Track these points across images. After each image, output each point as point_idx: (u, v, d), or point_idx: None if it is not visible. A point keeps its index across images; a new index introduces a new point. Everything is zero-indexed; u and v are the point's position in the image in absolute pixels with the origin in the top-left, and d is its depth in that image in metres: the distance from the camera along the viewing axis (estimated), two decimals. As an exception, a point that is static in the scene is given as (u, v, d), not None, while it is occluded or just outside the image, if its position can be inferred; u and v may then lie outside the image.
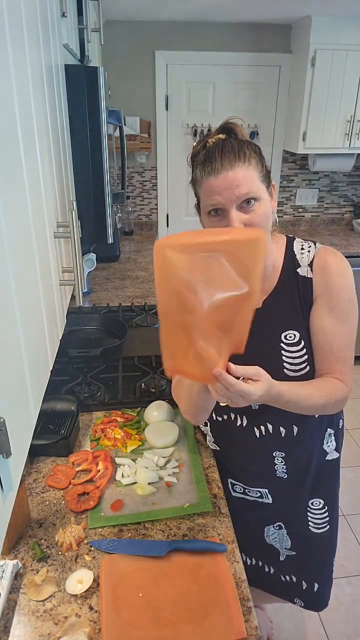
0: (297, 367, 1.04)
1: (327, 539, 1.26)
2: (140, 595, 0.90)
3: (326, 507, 1.23)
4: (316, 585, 1.29)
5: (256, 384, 0.86)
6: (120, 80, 3.18)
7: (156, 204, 3.60)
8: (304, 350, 1.04)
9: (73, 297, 1.19)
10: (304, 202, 3.74)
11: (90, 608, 0.89)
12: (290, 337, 1.04)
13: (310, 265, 1.04)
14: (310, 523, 1.23)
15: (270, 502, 1.21)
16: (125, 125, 3.21)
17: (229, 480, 1.24)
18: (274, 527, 1.25)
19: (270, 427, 1.12)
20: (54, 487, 1.16)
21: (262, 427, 1.12)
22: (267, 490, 1.20)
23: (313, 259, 1.04)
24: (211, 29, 3.16)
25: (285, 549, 1.26)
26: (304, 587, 1.29)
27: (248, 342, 1.05)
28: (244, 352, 1.05)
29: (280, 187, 3.66)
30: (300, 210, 3.77)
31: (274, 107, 3.41)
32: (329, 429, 1.18)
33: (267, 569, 1.31)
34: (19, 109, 0.57)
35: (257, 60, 3.25)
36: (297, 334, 1.04)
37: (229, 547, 1.01)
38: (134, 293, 2.45)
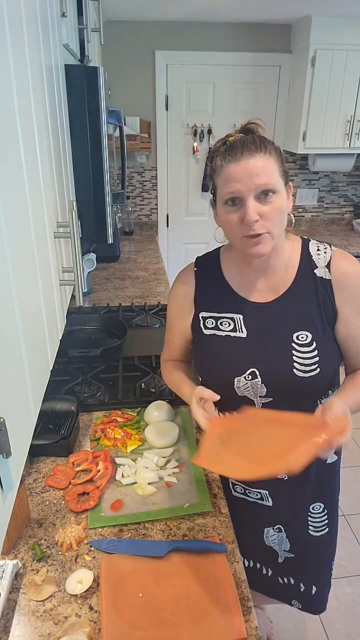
0: (307, 368, 1.03)
1: (327, 541, 1.26)
2: (140, 595, 0.90)
3: (326, 511, 1.23)
4: (314, 588, 1.28)
5: (346, 421, 0.87)
6: (120, 80, 3.18)
7: (156, 204, 3.60)
8: (315, 351, 1.03)
9: (73, 297, 1.19)
10: (304, 202, 3.74)
11: (90, 608, 0.89)
12: (302, 337, 1.03)
13: (328, 266, 1.03)
14: (310, 526, 1.23)
15: (271, 504, 1.20)
16: (125, 125, 3.21)
17: (230, 480, 1.24)
18: (273, 529, 1.24)
19: None
20: (54, 487, 1.16)
21: None
22: (267, 492, 1.20)
23: (330, 260, 1.04)
24: (211, 29, 3.16)
25: (284, 551, 1.26)
26: (301, 590, 1.29)
27: (256, 342, 1.06)
28: (251, 353, 1.06)
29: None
30: (300, 210, 3.77)
31: (274, 107, 3.41)
32: None
33: (265, 571, 1.30)
34: (19, 109, 0.57)
35: (257, 60, 3.25)
36: (309, 335, 1.03)
37: (229, 547, 1.01)
38: (134, 293, 2.45)
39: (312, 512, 1.21)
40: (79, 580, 0.93)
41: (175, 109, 3.34)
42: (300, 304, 1.05)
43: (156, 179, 3.52)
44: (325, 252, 1.05)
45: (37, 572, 0.96)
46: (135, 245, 3.33)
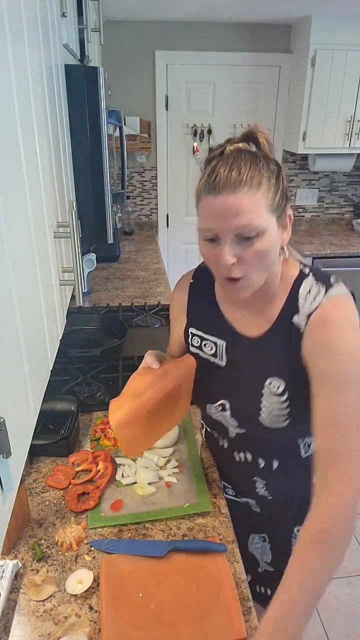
0: (276, 419, 0.94)
1: None
2: (140, 595, 0.90)
3: None
4: None
5: None
6: (120, 80, 3.18)
7: (156, 204, 3.60)
8: (287, 402, 0.92)
9: (73, 297, 1.19)
10: (304, 202, 3.74)
11: (90, 608, 0.89)
12: (274, 385, 0.93)
13: (309, 316, 0.86)
14: (292, 545, 1.18)
15: (259, 511, 1.19)
16: (125, 125, 3.21)
17: (222, 482, 1.24)
18: (259, 536, 1.22)
19: (249, 456, 1.07)
20: (54, 487, 1.16)
21: (242, 454, 1.08)
22: (254, 502, 1.18)
23: (315, 309, 0.86)
24: (211, 29, 3.16)
25: (265, 562, 1.23)
26: None
27: (231, 375, 1.02)
28: (226, 384, 1.03)
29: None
30: (300, 210, 3.77)
31: (274, 107, 3.41)
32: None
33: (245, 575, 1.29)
34: (19, 109, 0.57)
35: (257, 60, 3.25)
36: (282, 384, 0.92)
37: (229, 547, 1.01)
38: (134, 293, 2.45)
39: (295, 534, 1.17)
40: (79, 580, 0.93)
41: (175, 109, 3.34)
42: (275, 348, 0.92)
43: (156, 179, 3.52)
44: (314, 299, 0.86)
45: (37, 572, 0.96)
46: (135, 245, 3.33)
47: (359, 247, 3.29)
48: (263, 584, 1.26)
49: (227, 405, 1.02)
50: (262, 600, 1.28)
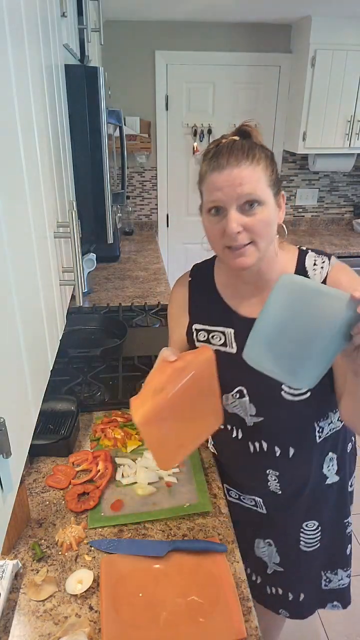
0: (297, 392, 0.98)
1: (317, 556, 1.23)
2: (140, 595, 0.90)
3: (320, 528, 1.19)
4: (302, 595, 1.25)
5: None
6: (120, 80, 3.18)
7: (156, 204, 3.60)
8: None
9: (73, 297, 1.19)
10: (304, 202, 3.74)
11: (90, 608, 0.89)
12: None
13: (324, 283, 0.95)
14: (301, 541, 1.20)
15: (265, 512, 1.19)
16: (125, 125, 3.21)
17: (225, 485, 1.23)
18: (264, 541, 1.22)
19: (265, 445, 1.07)
20: (54, 487, 1.16)
21: (257, 444, 1.08)
22: (261, 500, 1.18)
23: (326, 276, 0.96)
24: (211, 29, 3.16)
25: (273, 563, 1.23)
26: (290, 599, 1.26)
27: (245, 362, 1.02)
28: (240, 370, 1.01)
29: (280, 187, 3.66)
30: (300, 210, 3.77)
31: (274, 107, 3.41)
32: (330, 453, 1.12)
33: (254, 577, 1.29)
34: (19, 109, 0.57)
35: (257, 60, 3.25)
36: None
37: (229, 547, 1.01)
38: (134, 293, 2.45)
39: (305, 529, 1.18)
40: (79, 580, 0.93)
41: (175, 109, 3.34)
42: None
43: (156, 179, 3.52)
44: (322, 267, 0.97)
45: (37, 572, 0.96)
46: (135, 245, 3.33)
47: (359, 247, 3.29)
48: (274, 584, 1.26)
49: (245, 391, 1.03)
50: (274, 602, 1.27)
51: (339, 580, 1.29)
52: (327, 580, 1.27)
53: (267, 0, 2.56)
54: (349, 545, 1.27)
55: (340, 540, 1.26)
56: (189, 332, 1.10)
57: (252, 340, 0.77)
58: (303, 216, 3.79)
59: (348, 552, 1.28)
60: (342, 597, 1.30)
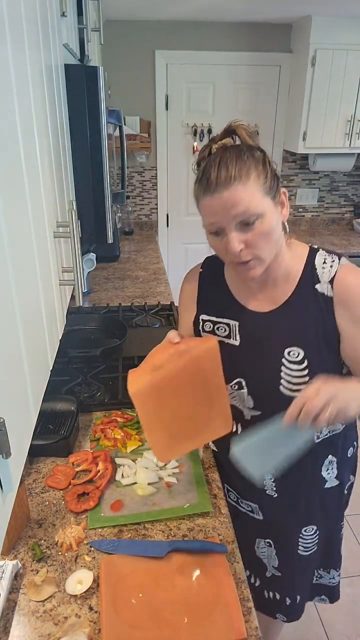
0: (296, 388, 0.98)
1: (314, 559, 1.23)
2: (140, 595, 0.90)
3: (318, 532, 1.19)
4: (298, 598, 1.26)
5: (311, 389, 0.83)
6: (120, 80, 3.18)
7: (156, 204, 3.60)
8: (307, 370, 0.97)
9: (73, 297, 1.19)
10: (304, 202, 3.74)
11: (90, 608, 0.89)
12: (293, 354, 0.98)
13: (331, 282, 0.96)
14: (300, 546, 1.20)
15: (261, 518, 1.19)
16: (125, 125, 3.21)
17: (225, 485, 1.23)
18: (264, 541, 1.22)
19: None
20: (54, 487, 1.16)
21: None
22: (257, 507, 1.18)
23: (335, 275, 0.96)
24: (211, 29, 3.15)
25: (272, 567, 1.23)
26: (287, 603, 1.26)
27: (247, 352, 1.04)
28: (241, 362, 1.04)
29: (280, 187, 3.66)
30: (301, 210, 3.77)
31: (274, 107, 3.41)
32: (330, 456, 1.12)
33: (253, 580, 1.29)
34: (18, 109, 0.57)
35: (257, 60, 3.25)
36: (302, 352, 0.98)
37: (229, 547, 1.01)
38: (133, 293, 2.45)
39: (303, 534, 1.18)
40: (79, 580, 0.93)
41: (175, 109, 3.34)
42: (296, 318, 0.99)
43: (156, 178, 3.52)
44: (331, 266, 0.97)
45: (37, 573, 0.96)
46: (135, 245, 3.33)
47: (359, 247, 3.29)
48: (271, 588, 1.26)
49: (244, 383, 1.04)
50: (271, 607, 1.28)
51: (330, 579, 1.30)
52: (319, 576, 1.29)
53: (267, 0, 2.56)
54: (341, 546, 1.29)
55: (336, 542, 1.27)
56: (196, 322, 1.12)
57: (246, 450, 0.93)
58: (303, 216, 3.79)
59: (341, 553, 1.29)
60: (331, 593, 1.34)
